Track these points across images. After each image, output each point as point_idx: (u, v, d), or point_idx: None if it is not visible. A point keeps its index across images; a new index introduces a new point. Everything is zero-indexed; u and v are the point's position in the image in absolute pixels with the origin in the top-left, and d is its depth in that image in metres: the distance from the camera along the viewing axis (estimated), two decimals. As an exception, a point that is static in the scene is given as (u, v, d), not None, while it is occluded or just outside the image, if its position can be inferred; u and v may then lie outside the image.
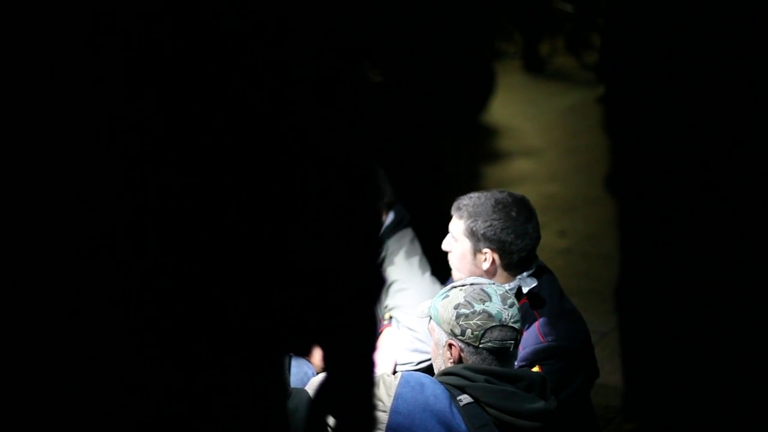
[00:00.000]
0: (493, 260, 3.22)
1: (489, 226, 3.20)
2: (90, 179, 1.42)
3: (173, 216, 1.45)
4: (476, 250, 3.24)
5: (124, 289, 1.44)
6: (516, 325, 2.80)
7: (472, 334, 2.77)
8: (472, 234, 3.23)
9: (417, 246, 3.72)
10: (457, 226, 3.28)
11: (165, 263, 1.46)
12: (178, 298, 1.47)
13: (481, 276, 3.15)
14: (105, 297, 1.44)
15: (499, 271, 3.25)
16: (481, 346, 2.77)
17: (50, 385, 1.46)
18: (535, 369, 3.03)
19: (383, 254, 1.65)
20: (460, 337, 2.79)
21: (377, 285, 1.66)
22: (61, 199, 1.43)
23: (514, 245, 3.21)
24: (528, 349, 3.05)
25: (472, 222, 3.23)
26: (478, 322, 2.77)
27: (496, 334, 2.77)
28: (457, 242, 3.28)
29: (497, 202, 3.25)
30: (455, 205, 3.32)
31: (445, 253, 3.36)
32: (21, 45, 1.41)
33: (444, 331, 2.83)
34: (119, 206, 1.43)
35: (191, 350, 1.49)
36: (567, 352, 3.11)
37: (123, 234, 1.43)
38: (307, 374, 3.14)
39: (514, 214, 3.23)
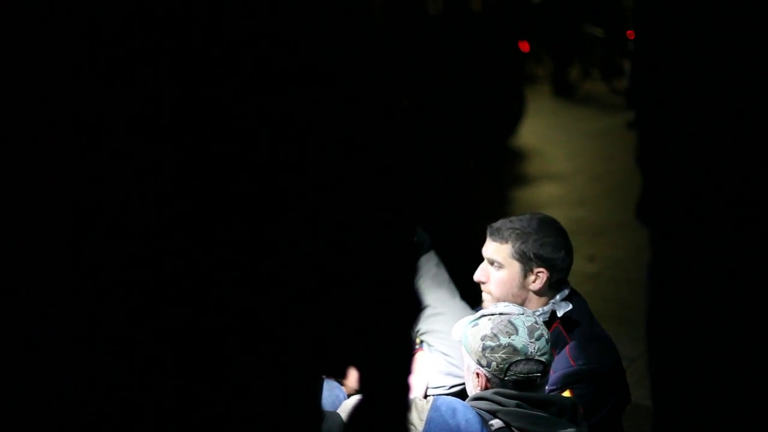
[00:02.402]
0: (544, 280, 3.23)
1: (541, 245, 3.20)
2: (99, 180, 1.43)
3: (205, 218, 1.46)
4: (527, 271, 3.23)
5: (143, 293, 1.44)
6: (543, 358, 2.80)
7: (497, 366, 2.78)
8: (523, 255, 3.21)
9: (443, 270, 3.72)
10: (502, 250, 3.26)
11: (189, 265, 1.45)
12: (200, 306, 1.47)
13: (526, 297, 3.17)
14: (122, 299, 1.44)
15: (545, 291, 3.25)
16: (506, 378, 2.78)
17: (61, 388, 1.46)
18: (566, 393, 3.03)
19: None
20: (486, 368, 2.80)
21: (415, 309, 1.67)
22: (74, 199, 1.42)
23: (564, 261, 3.22)
24: (558, 373, 3.05)
25: (522, 244, 3.21)
26: (503, 356, 2.78)
27: (521, 367, 2.78)
28: (502, 268, 3.27)
29: (541, 221, 3.26)
30: (493, 231, 3.30)
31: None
32: (16, 42, 1.41)
33: (472, 359, 2.85)
34: (144, 203, 1.43)
35: (220, 367, 1.49)
36: (598, 376, 3.10)
37: (144, 233, 1.43)
38: (339, 397, 3.15)
39: (559, 231, 3.26)
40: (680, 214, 2.36)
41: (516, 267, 3.23)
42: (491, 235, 3.30)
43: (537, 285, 3.22)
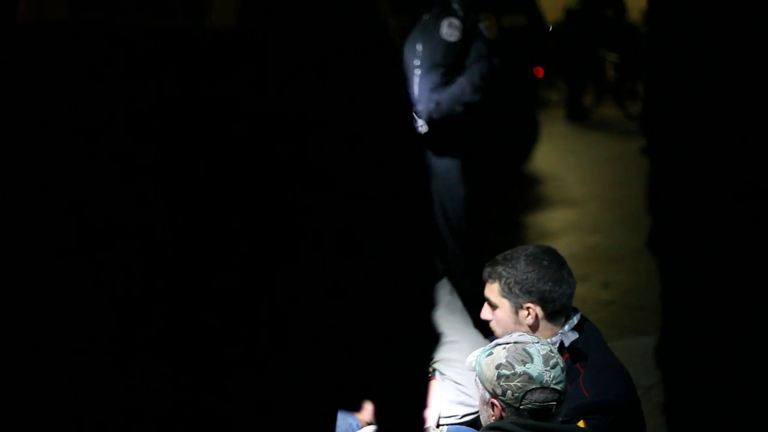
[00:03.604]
0: (536, 314, 3.23)
1: (525, 280, 3.21)
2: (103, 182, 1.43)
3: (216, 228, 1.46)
4: (517, 307, 3.24)
5: (145, 295, 1.44)
6: (558, 387, 2.79)
7: (512, 395, 2.77)
8: (510, 292, 3.23)
9: (456, 298, 3.71)
10: (493, 290, 3.29)
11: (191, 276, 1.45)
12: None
13: (526, 332, 3.16)
14: (117, 298, 1.44)
15: (543, 324, 3.25)
16: (521, 407, 2.76)
17: (55, 386, 1.46)
18: (580, 424, 3.01)
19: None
20: (501, 397, 2.79)
21: (431, 341, 1.66)
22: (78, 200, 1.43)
23: (553, 293, 3.22)
24: (571, 404, 3.04)
25: (508, 280, 3.23)
26: (519, 384, 2.76)
27: (536, 396, 2.76)
28: (496, 307, 3.29)
29: (527, 255, 3.27)
30: (485, 272, 3.33)
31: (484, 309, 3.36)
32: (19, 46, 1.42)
33: (486, 389, 2.83)
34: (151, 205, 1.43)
35: (230, 384, 1.48)
36: (611, 407, 3.09)
37: (146, 234, 1.43)
38: (352, 426, 3.15)
39: (546, 263, 3.25)
40: (693, 239, 2.35)
41: (506, 304, 3.26)
42: (484, 274, 3.33)
43: (530, 320, 3.22)
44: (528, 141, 10.48)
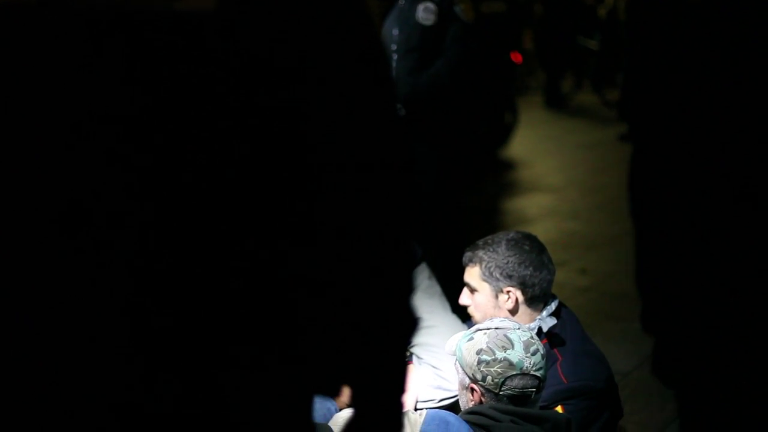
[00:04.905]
0: (516, 298, 3.24)
1: (506, 264, 3.23)
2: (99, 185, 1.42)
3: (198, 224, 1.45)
4: (498, 291, 3.26)
5: (135, 289, 1.43)
6: (538, 373, 2.79)
7: (492, 381, 2.77)
8: (491, 275, 3.25)
9: (435, 283, 3.72)
10: (473, 274, 3.31)
11: (181, 268, 1.44)
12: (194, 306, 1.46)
13: (505, 317, 3.16)
14: (117, 297, 1.42)
15: (522, 308, 3.26)
16: (501, 393, 2.77)
17: (55, 387, 1.45)
18: (558, 409, 3.02)
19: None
20: (481, 383, 2.79)
21: (410, 325, 1.66)
22: (70, 198, 1.42)
23: (534, 277, 3.23)
24: (550, 390, 3.05)
25: (489, 264, 3.25)
26: (499, 370, 2.77)
27: (516, 382, 2.77)
28: (476, 291, 3.30)
29: (508, 240, 3.29)
30: (465, 257, 3.36)
31: (463, 290, 3.37)
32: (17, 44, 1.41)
33: (466, 374, 2.84)
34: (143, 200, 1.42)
35: (218, 353, 1.47)
36: (589, 392, 3.10)
37: (143, 233, 1.42)
38: (330, 410, 3.14)
39: (527, 248, 3.27)
40: (674, 217, 2.37)
41: (486, 288, 3.27)
42: (465, 258, 3.36)
43: (510, 304, 3.24)
44: (506, 127, 10.49)
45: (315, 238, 1.54)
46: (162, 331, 1.45)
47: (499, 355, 2.77)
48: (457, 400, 3.05)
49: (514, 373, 2.76)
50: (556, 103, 14.30)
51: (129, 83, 1.41)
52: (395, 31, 5.04)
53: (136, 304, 1.43)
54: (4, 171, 1.42)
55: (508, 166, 10.35)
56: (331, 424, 2.87)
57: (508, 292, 3.24)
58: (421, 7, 5.04)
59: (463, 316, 3.53)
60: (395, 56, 5.01)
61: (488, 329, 2.87)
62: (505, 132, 10.48)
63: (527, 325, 3.15)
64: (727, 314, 2.52)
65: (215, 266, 1.45)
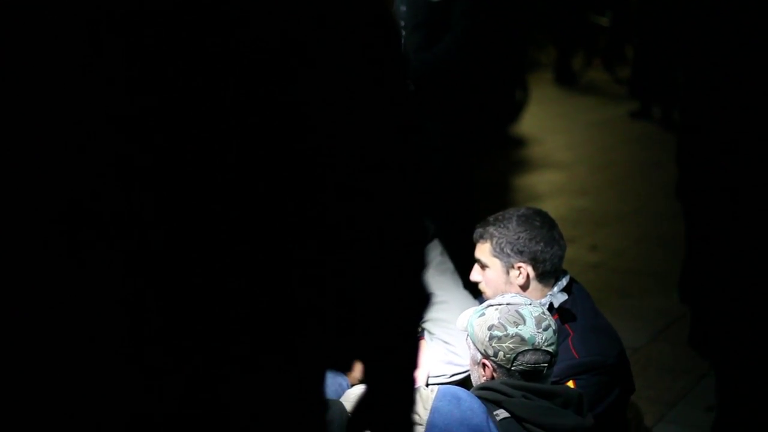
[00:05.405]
0: (527, 274, 3.24)
1: (517, 239, 3.23)
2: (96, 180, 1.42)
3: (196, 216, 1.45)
4: (509, 267, 3.26)
5: (136, 289, 1.43)
6: (550, 348, 2.80)
7: (504, 356, 2.77)
8: (502, 251, 3.25)
9: (447, 259, 3.71)
10: (484, 250, 3.31)
11: (185, 263, 1.44)
12: (200, 298, 1.46)
13: (519, 293, 3.16)
14: (117, 297, 1.43)
15: (533, 284, 3.26)
16: (513, 368, 2.77)
17: (55, 387, 1.45)
18: (570, 384, 3.03)
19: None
20: (492, 358, 2.80)
21: (422, 301, 1.66)
22: (66, 196, 1.41)
23: (545, 253, 3.23)
24: (561, 365, 3.05)
25: (499, 240, 3.25)
26: (511, 346, 2.77)
27: (528, 357, 2.77)
28: (487, 267, 3.30)
29: (519, 216, 3.28)
30: (476, 233, 3.35)
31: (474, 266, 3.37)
32: (21, 42, 1.40)
33: (478, 350, 2.84)
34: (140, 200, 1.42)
35: (219, 352, 1.47)
36: (600, 367, 3.10)
37: (139, 233, 1.42)
38: (342, 386, 3.15)
39: (537, 223, 3.27)
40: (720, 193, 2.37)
41: (497, 264, 3.27)
42: (475, 234, 3.35)
43: (521, 280, 3.24)
44: (517, 104, 10.46)
45: (320, 230, 1.53)
46: (161, 330, 1.45)
47: (511, 330, 2.78)
48: (469, 376, 3.05)
49: (526, 348, 2.76)
50: (567, 80, 14.23)
51: (129, 83, 1.41)
52: (402, 8, 5.01)
53: (136, 304, 1.43)
54: (4, 171, 1.42)
55: (519, 142, 10.33)
56: (342, 400, 2.87)
57: (519, 267, 3.24)
58: (426, -17, 5.01)
59: (475, 292, 3.53)
60: (403, 33, 4.99)
61: (500, 305, 2.87)
62: (515, 109, 10.45)
63: (538, 301, 3.15)
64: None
65: (215, 265, 1.45)
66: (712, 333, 2.62)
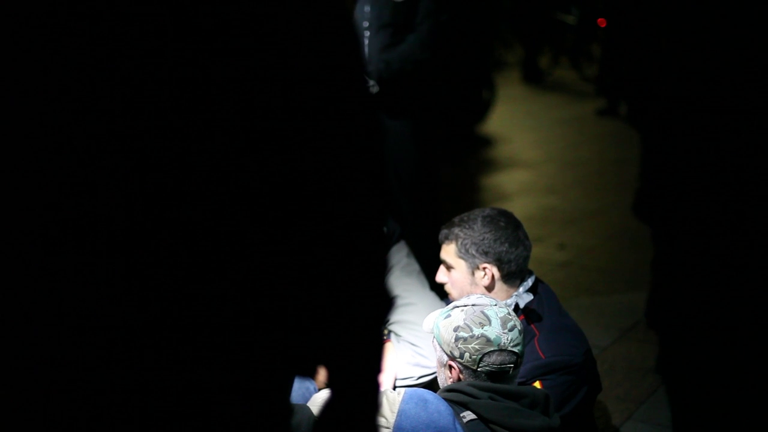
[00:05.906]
0: (492, 275, 3.24)
1: (482, 240, 3.24)
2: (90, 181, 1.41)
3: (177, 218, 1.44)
4: (474, 268, 3.26)
5: (118, 288, 1.43)
6: (516, 349, 2.80)
7: (470, 357, 2.77)
8: (467, 252, 3.26)
9: (413, 260, 3.72)
10: (449, 251, 3.32)
11: (162, 263, 1.44)
12: (175, 301, 1.45)
13: (482, 294, 3.16)
14: (100, 295, 1.43)
15: (498, 285, 3.26)
16: (479, 369, 2.77)
17: (43, 385, 1.45)
18: (536, 384, 3.03)
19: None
20: (459, 360, 2.79)
21: (386, 303, 1.65)
22: (58, 196, 1.41)
23: (510, 254, 3.24)
24: (528, 365, 3.06)
25: (464, 241, 3.26)
26: (476, 347, 2.77)
27: (494, 358, 2.77)
28: (452, 268, 3.30)
29: (484, 217, 3.30)
30: (442, 234, 3.36)
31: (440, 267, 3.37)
32: (18, 45, 1.40)
33: (444, 352, 2.84)
34: (120, 203, 1.42)
35: (188, 360, 1.47)
36: (567, 367, 3.11)
37: (119, 232, 1.42)
38: (309, 390, 3.14)
39: (502, 224, 3.28)
40: (678, 210, 2.35)
41: (462, 265, 3.28)
42: (441, 236, 3.36)
43: (486, 281, 3.25)
44: (484, 103, 10.47)
45: (285, 230, 1.53)
46: (155, 327, 1.45)
47: (477, 331, 2.78)
48: (436, 378, 3.05)
49: (492, 349, 2.76)
50: (534, 79, 14.28)
51: (124, 84, 1.40)
52: (367, 8, 5.01)
53: (132, 302, 1.43)
54: (4, 171, 1.41)
55: (486, 142, 10.34)
56: (310, 404, 2.86)
57: (485, 268, 3.24)
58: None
59: (442, 293, 3.53)
60: (368, 33, 4.98)
61: (465, 306, 2.87)
62: (482, 108, 10.46)
63: (504, 302, 3.15)
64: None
65: (202, 263, 1.45)
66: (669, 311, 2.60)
